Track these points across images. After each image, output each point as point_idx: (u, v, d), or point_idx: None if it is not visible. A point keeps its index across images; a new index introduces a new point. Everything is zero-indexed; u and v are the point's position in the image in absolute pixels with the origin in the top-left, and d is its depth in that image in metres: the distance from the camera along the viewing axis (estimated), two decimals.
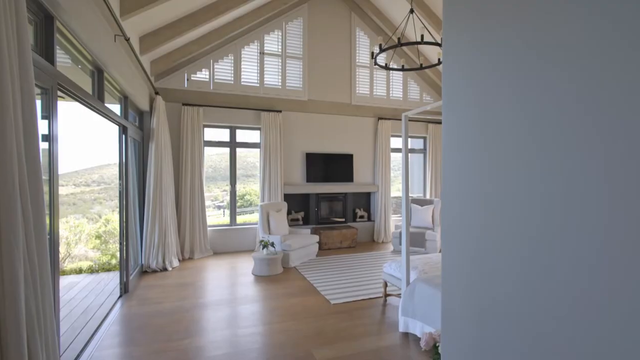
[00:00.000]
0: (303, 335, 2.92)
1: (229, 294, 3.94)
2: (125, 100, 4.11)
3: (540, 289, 0.67)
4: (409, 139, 7.38)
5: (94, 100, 2.87)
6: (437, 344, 1.27)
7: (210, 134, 6.16)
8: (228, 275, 4.67)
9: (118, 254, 3.96)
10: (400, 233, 5.86)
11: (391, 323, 3.14)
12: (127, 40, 3.44)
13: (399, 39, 3.70)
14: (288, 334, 2.95)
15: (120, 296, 3.84)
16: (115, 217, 4.96)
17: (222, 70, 6.01)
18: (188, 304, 3.62)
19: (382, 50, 3.82)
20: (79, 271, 4.65)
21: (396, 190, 7.44)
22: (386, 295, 3.66)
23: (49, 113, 2.10)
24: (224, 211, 7.02)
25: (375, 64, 4.28)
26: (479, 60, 0.78)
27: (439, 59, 4.24)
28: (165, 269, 4.88)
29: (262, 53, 6.24)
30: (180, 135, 5.66)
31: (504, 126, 0.74)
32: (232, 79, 6.07)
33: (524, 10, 0.68)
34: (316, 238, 5.57)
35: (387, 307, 3.52)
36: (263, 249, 4.78)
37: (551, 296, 0.65)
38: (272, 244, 4.81)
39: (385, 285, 3.63)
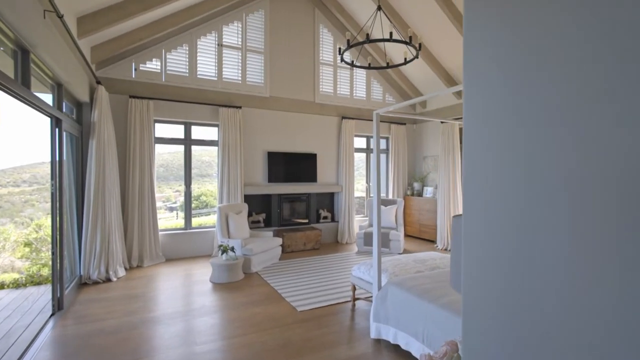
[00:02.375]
0: (268, 349, 2.68)
1: (184, 306, 3.58)
2: (59, 89, 3.58)
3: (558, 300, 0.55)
4: (372, 139, 7.39)
5: (17, 86, 2.40)
6: None
7: (162, 130, 5.66)
8: (183, 284, 4.28)
9: (51, 264, 3.43)
10: (364, 234, 5.82)
11: (362, 329, 3.01)
12: (61, 17, 2.96)
13: (367, 34, 3.59)
14: (251, 348, 2.70)
15: (53, 314, 3.33)
16: (49, 222, 4.35)
17: (176, 61, 5.55)
18: (136, 320, 3.21)
19: (350, 46, 3.69)
20: (1, 286, 3.98)
21: (356, 190, 7.41)
22: (355, 299, 3.53)
23: None
24: (177, 213, 6.53)
25: (342, 60, 4.15)
26: (509, 41, 0.62)
27: (405, 59, 4.21)
28: (109, 280, 4.36)
29: (220, 45, 5.86)
30: (128, 130, 5.12)
31: (537, 123, 0.59)
32: (187, 71, 5.62)
33: None
34: (279, 241, 5.32)
35: (356, 312, 3.39)
36: (222, 254, 4.44)
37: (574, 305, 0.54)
38: (232, 249, 4.49)
39: (354, 289, 3.50)
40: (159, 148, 5.72)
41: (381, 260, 3.03)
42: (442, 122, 6.37)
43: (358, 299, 3.56)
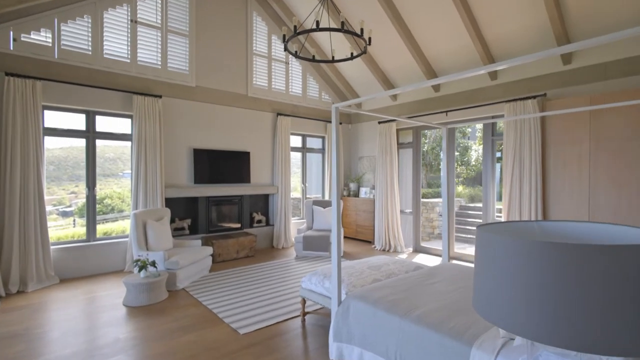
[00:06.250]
0: None
1: (88, 342, 2.79)
2: None
3: None
4: (307, 139, 7.12)
5: None
6: None
7: (55, 119, 4.54)
8: (86, 312, 3.40)
9: None
10: (303, 237, 5.50)
11: (318, 349, 2.68)
12: None
13: (317, 21, 3.28)
14: None
15: None
16: None
17: (74, 34, 4.49)
18: None
19: (298, 33, 3.33)
20: None
21: (292, 191, 7.06)
22: (304, 313, 3.18)
23: None
24: (74, 220, 5.37)
25: (285, 49, 3.76)
26: None
27: (352, 53, 4.01)
28: None
29: (134, 21, 4.95)
30: (4, 117, 3.95)
31: None
32: (90, 48, 4.60)
33: None
34: (209, 250, 4.68)
35: (307, 329, 3.05)
36: (140, 271, 3.67)
37: None
38: (153, 263, 3.75)
39: (304, 302, 3.15)
40: (49, 142, 4.57)
41: (328, 267, 2.74)
42: (379, 123, 6.41)
43: (308, 312, 3.23)
